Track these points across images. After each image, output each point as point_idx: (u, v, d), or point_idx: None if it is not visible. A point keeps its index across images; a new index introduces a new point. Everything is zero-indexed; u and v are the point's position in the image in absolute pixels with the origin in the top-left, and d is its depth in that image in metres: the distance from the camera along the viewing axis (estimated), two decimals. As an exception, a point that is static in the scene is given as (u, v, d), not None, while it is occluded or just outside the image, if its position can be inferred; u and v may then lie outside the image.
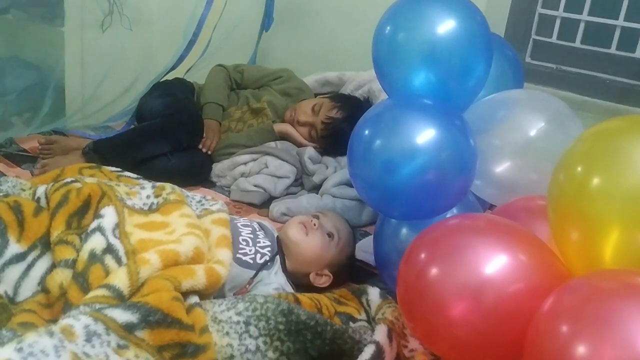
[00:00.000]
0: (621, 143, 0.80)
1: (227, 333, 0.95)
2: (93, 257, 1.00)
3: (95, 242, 1.02)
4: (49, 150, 1.77)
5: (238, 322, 0.96)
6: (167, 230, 1.13)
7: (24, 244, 1.04)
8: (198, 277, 1.02)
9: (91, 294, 0.93)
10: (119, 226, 1.08)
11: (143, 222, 1.14)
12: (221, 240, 1.17)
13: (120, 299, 0.94)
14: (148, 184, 1.29)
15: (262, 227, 1.33)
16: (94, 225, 1.06)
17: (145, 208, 1.20)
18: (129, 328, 0.87)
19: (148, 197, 1.24)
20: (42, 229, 1.07)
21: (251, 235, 1.25)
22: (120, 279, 0.96)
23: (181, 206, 1.20)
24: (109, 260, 1.01)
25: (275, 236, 1.31)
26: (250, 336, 0.95)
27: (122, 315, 0.88)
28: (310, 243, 1.25)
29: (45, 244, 1.06)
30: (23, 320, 0.94)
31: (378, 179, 1.11)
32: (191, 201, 1.30)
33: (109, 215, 1.08)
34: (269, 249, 1.24)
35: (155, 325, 0.89)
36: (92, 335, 0.84)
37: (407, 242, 1.01)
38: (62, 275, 0.99)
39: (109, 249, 1.02)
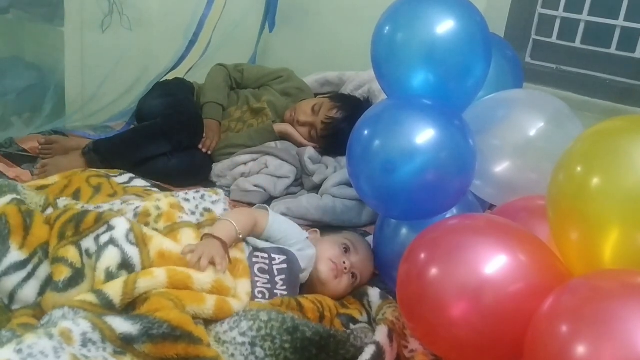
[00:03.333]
0: (621, 143, 0.80)
1: (233, 355, 0.94)
2: (110, 277, 0.96)
3: (110, 259, 0.97)
4: (49, 150, 1.76)
5: (243, 344, 0.94)
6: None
7: (26, 251, 1.01)
8: (206, 306, 0.96)
9: (81, 297, 0.92)
10: (133, 230, 1.02)
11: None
12: (237, 266, 1.09)
13: (109, 309, 0.91)
14: (130, 208, 1.17)
15: (287, 266, 1.16)
16: (105, 238, 1.00)
17: None
18: (127, 340, 0.85)
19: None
20: (44, 235, 1.03)
21: (268, 286, 1.13)
22: (114, 287, 0.92)
23: (176, 236, 1.09)
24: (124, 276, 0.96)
25: (301, 272, 1.19)
26: (257, 358, 0.93)
27: (122, 325, 0.86)
28: (336, 287, 1.22)
29: (44, 252, 1.02)
30: (23, 322, 0.93)
31: (377, 179, 1.11)
32: (187, 200, 1.24)
33: (120, 225, 1.02)
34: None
35: (159, 339, 0.86)
36: (87, 342, 0.84)
37: (407, 242, 1.01)
38: (52, 300, 0.96)
39: (125, 264, 0.97)
